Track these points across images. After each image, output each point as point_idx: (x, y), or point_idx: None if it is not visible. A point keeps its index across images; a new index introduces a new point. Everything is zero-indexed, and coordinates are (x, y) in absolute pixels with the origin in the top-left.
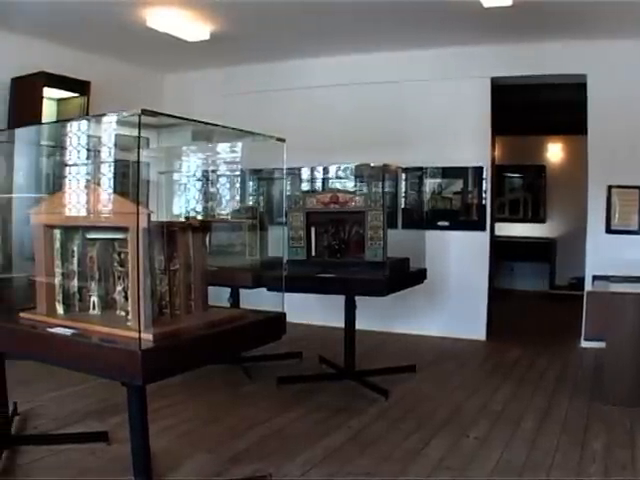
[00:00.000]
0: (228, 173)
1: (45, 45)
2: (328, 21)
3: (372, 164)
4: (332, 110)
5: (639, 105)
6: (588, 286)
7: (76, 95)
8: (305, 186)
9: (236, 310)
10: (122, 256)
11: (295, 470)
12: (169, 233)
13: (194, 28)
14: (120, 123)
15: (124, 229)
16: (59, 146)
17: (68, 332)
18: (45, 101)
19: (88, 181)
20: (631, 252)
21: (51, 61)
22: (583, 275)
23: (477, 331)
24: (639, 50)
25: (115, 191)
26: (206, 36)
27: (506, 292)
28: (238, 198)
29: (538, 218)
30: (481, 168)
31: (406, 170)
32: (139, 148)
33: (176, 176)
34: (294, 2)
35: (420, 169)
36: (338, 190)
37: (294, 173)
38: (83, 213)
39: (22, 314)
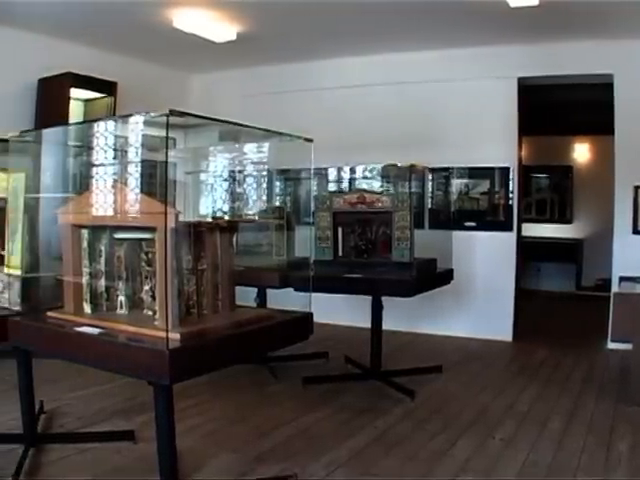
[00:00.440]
0: (255, 173)
1: (72, 46)
2: (354, 21)
3: (399, 164)
4: (358, 110)
5: None
6: (615, 287)
7: (103, 96)
8: (332, 186)
9: (263, 310)
10: (149, 256)
11: (320, 470)
12: (197, 233)
13: (221, 29)
14: (147, 123)
15: (152, 229)
16: (86, 146)
17: (95, 331)
18: (72, 102)
19: (115, 181)
20: None
21: (78, 62)
22: (610, 276)
23: (503, 332)
24: None
25: (142, 191)
26: (233, 37)
27: (532, 293)
28: (265, 198)
29: (565, 219)
30: (508, 168)
31: (433, 170)
32: (167, 148)
33: (203, 176)
34: (320, 2)
35: (447, 169)
36: (365, 190)
37: (321, 173)
38: (111, 213)
39: (49, 313)
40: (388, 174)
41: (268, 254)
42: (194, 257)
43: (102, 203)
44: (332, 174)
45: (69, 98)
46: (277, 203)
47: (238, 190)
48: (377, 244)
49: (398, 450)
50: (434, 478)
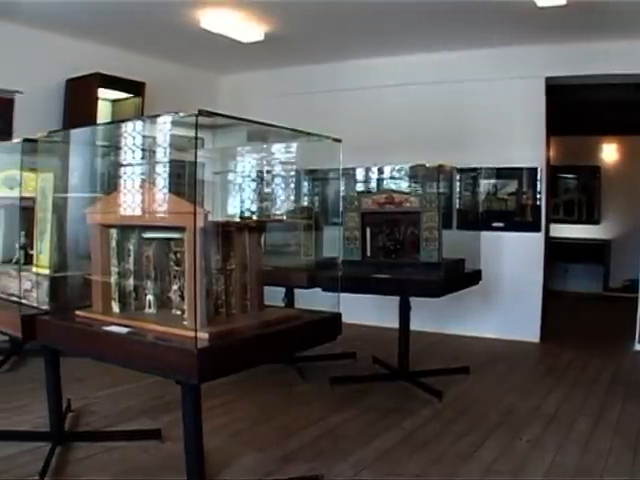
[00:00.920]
0: (283, 173)
1: (100, 47)
2: (381, 22)
3: (427, 164)
4: (385, 111)
5: None
6: None
7: (131, 96)
8: (359, 186)
9: (291, 310)
10: (178, 255)
11: (347, 470)
12: (225, 233)
13: (248, 29)
14: (175, 123)
15: (181, 229)
16: (114, 146)
17: (124, 330)
18: (100, 102)
19: (144, 181)
20: None
21: (106, 62)
22: (637, 277)
23: (531, 333)
24: None
25: (170, 191)
26: (260, 37)
27: (560, 293)
28: (293, 198)
29: (592, 219)
30: (536, 169)
31: (461, 171)
32: (196, 148)
33: (231, 176)
34: (347, 2)
35: (475, 170)
36: (393, 191)
37: (348, 173)
38: (139, 213)
39: (78, 312)
40: (416, 174)
41: (296, 254)
42: (223, 257)
43: (131, 203)
44: (360, 174)
45: (97, 98)
46: (305, 203)
47: (266, 190)
48: (405, 244)
49: (425, 451)
50: (460, 479)
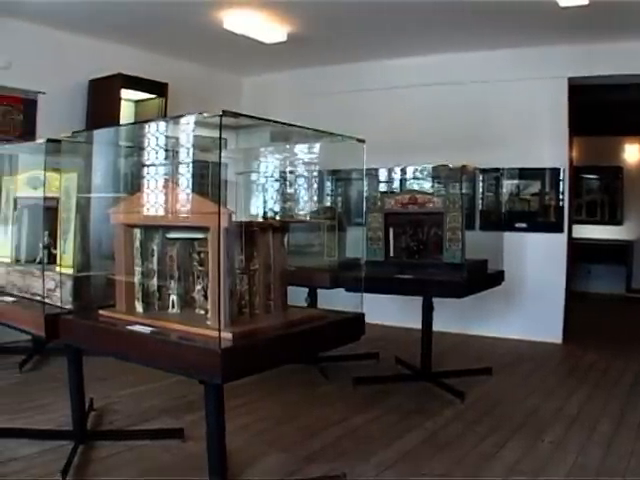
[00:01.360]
0: (306, 174)
1: (122, 48)
2: (404, 22)
3: (450, 165)
4: (407, 111)
5: None
6: None
7: (154, 97)
8: (382, 187)
9: (315, 310)
10: (202, 255)
11: (369, 471)
12: (249, 233)
13: (271, 30)
14: (199, 124)
15: (204, 229)
16: (137, 147)
17: (147, 330)
18: (123, 102)
19: (167, 181)
20: None
21: (128, 63)
22: None
23: (553, 334)
24: None
25: (193, 192)
26: (283, 38)
27: (582, 295)
28: (316, 199)
29: (615, 220)
30: (558, 169)
31: (483, 171)
32: (220, 149)
33: (254, 177)
34: (370, 2)
35: (497, 170)
36: (416, 191)
37: (371, 174)
38: (163, 213)
39: (101, 312)
40: (439, 175)
41: (319, 254)
42: (246, 257)
43: (154, 203)
44: (383, 175)
45: (120, 99)
46: (328, 203)
47: (289, 190)
48: (428, 245)
49: (447, 452)
50: (483, 478)
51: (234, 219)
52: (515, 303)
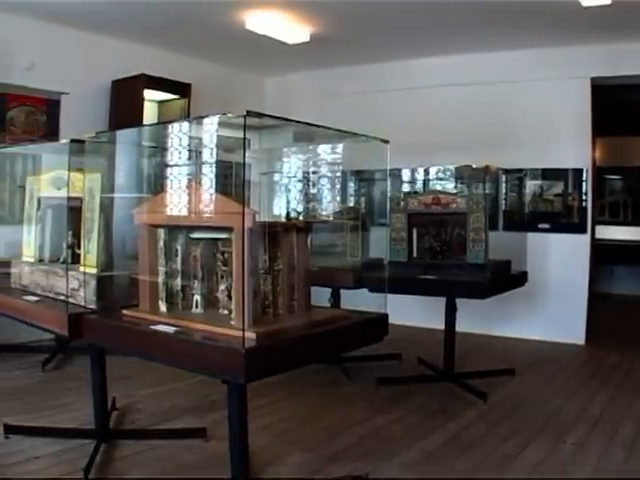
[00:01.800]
0: (329, 174)
1: (145, 48)
2: (426, 22)
3: (473, 165)
4: (430, 111)
5: None
6: None
7: (177, 97)
8: (405, 187)
9: (338, 311)
10: (225, 255)
11: (392, 471)
12: (273, 233)
13: (294, 30)
14: (222, 124)
15: (228, 229)
16: (160, 147)
17: (171, 330)
18: (146, 103)
19: (191, 181)
20: None
21: (151, 63)
22: None
23: (576, 335)
24: None
25: (217, 192)
26: (306, 38)
27: (605, 296)
28: (339, 199)
29: (638, 221)
30: (581, 170)
31: (506, 172)
32: (244, 149)
33: (277, 177)
34: (393, 2)
35: (520, 171)
36: (440, 192)
37: (394, 174)
38: (187, 213)
39: (125, 311)
40: (462, 175)
41: (342, 255)
42: (270, 257)
43: (178, 203)
44: (406, 175)
45: (143, 99)
46: (351, 204)
47: (312, 191)
48: (451, 245)
49: (470, 453)
50: (505, 477)
51: (258, 219)
52: (538, 304)
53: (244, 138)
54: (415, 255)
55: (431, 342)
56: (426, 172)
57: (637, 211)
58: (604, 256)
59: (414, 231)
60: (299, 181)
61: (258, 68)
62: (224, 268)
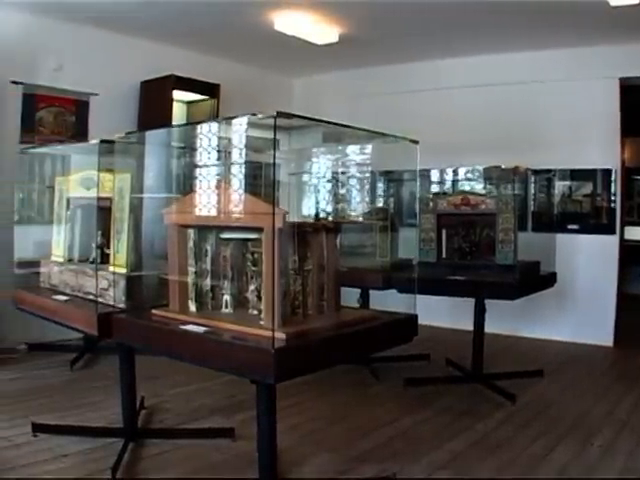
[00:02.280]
0: (358, 175)
1: (174, 49)
2: (455, 23)
3: (502, 166)
4: (459, 112)
5: None
6: None
7: (206, 98)
8: (434, 188)
9: (367, 311)
10: (255, 256)
11: (420, 472)
12: (302, 234)
13: (323, 31)
14: (251, 125)
15: (258, 229)
16: (189, 147)
17: (200, 330)
18: (175, 103)
19: (220, 182)
20: None
21: (180, 64)
22: None
23: (604, 337)
24: None
25: (246, 192)
26: (335, 38)
27: (634, 297)
28: (368, 199)
29: None
30: (610, 170)
31: (535, 172)
32: (275, 150)
33: (306, 177)
34: (421, 3)
35: (549, 171)
36: (469, 192)
37: (423, 175)
38: (216, 213)
39: (154, 311)
40: (491, 176)
41: (371, 255)
42: (300, 257)
43: (207, 203)
44: (435, 176)
45: (172, 100)
46: (380, 204)
47: (341, 191)
48: (480, 246)
49: (497, 454)
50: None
51: (287, 220)
52: (566, 305)
53: (274, 138)
54: (444, 256)
55: (458, 343)
56: (455, 173)
57: None
58: (633, 257)
59: (443, 232)
60: (328, 181)
61: (286, 69)
62: (254, 268)
